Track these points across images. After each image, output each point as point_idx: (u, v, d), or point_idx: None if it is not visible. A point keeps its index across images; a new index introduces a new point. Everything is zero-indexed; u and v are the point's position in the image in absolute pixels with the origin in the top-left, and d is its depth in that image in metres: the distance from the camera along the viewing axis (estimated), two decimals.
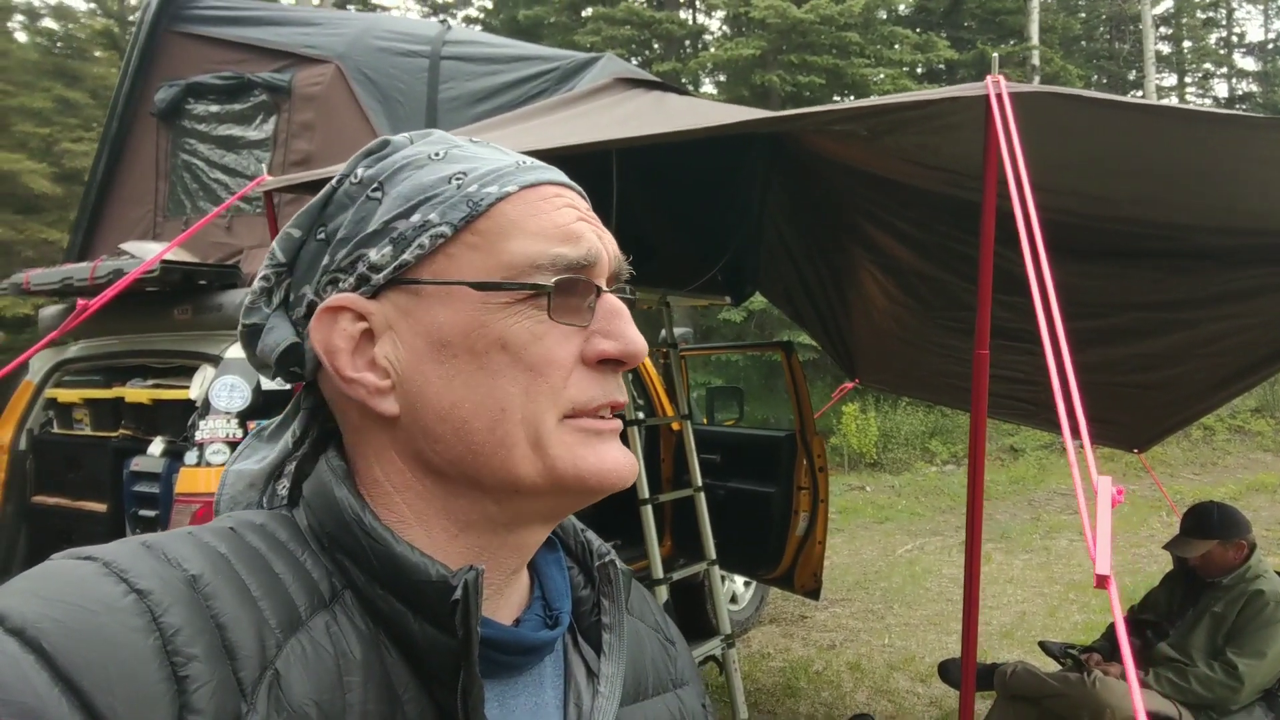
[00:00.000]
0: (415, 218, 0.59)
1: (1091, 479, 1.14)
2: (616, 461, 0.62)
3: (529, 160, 0.65)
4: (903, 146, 2.17)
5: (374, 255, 0.59)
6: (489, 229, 0.59)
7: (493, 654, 0.59)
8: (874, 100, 1.83)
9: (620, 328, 0.61)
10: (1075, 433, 1.24)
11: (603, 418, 0.62)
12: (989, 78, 1.53)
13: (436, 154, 0.62)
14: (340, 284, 0.61)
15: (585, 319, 0.61)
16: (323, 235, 0.62)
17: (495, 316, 0.58)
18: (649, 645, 0.76)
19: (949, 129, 1.84)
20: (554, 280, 0.59)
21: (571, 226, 0.61)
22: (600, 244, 0.63)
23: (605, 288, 0.63)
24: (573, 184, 0.66)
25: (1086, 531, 1.14)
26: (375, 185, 0.61)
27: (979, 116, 1.56)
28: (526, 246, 0.59)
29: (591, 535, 0.73)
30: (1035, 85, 1.68)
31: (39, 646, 0.46)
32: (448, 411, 0.58)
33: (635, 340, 0.61)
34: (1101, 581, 1.13)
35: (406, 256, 0.59)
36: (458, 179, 0.60)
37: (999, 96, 1.49)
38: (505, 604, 0.64)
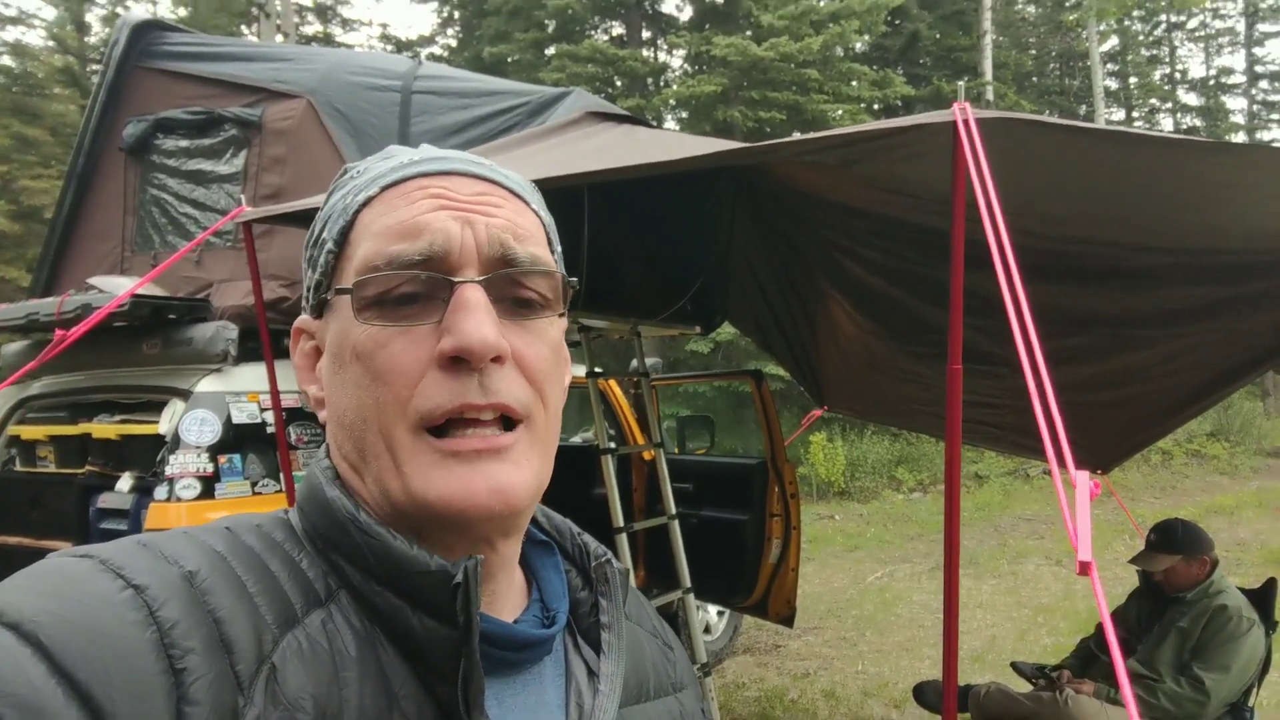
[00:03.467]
0: (320, 237, 0.63)
1: (1070, 474, 1.19)
2: (470, 489, 0.56)
3: (421, 156, 0.63)
4: (870, 174, 2.24)
5: (308, 278, 0.65)
6: (355, 237, 0.61)
7: (491, 650, 0.59)
8: (844, 130, 1.90)
9: (456, 320, 0.56)
10: (1052, 430, 1.29)
11: (471, 433, 0.57)
12: (955, 105, 1.60)
13: (358, 171, 0.65)
14: (306, 307, 0.66)
15: (437, 316, 0.58)
16: (305, 266, 0.67)
17: (351, 326, 0.59)
18: (648, 649, 0.77)
19: (916, 156, 1.91)
20: (354, 282, 0.58)
21: (416, 220, 0.59)
22: (460, 231, 0.59)
23: (460, 279, 0.58)
24: (462, 169, 0.63)
25: (1068, 522, 1.18)
26: (321, 212, 0.66)
27: (946, 143, 1.63)
28: (367, 249, 0.59)
29: (589, 538, 0.73)
30: (1000, 111, 1.75)
31: (36, 640, 0.46)
32: (340, 420, 0.61)
33: (467, 332, 0.56)
34: (1084, 568, 1.17)
35: (318, 275, 0.63)
36: (350, 192, 0.63)
37: (965, 122, 1.56)
38: (501, 606, 0.64)
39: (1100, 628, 3.79)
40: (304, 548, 0.60)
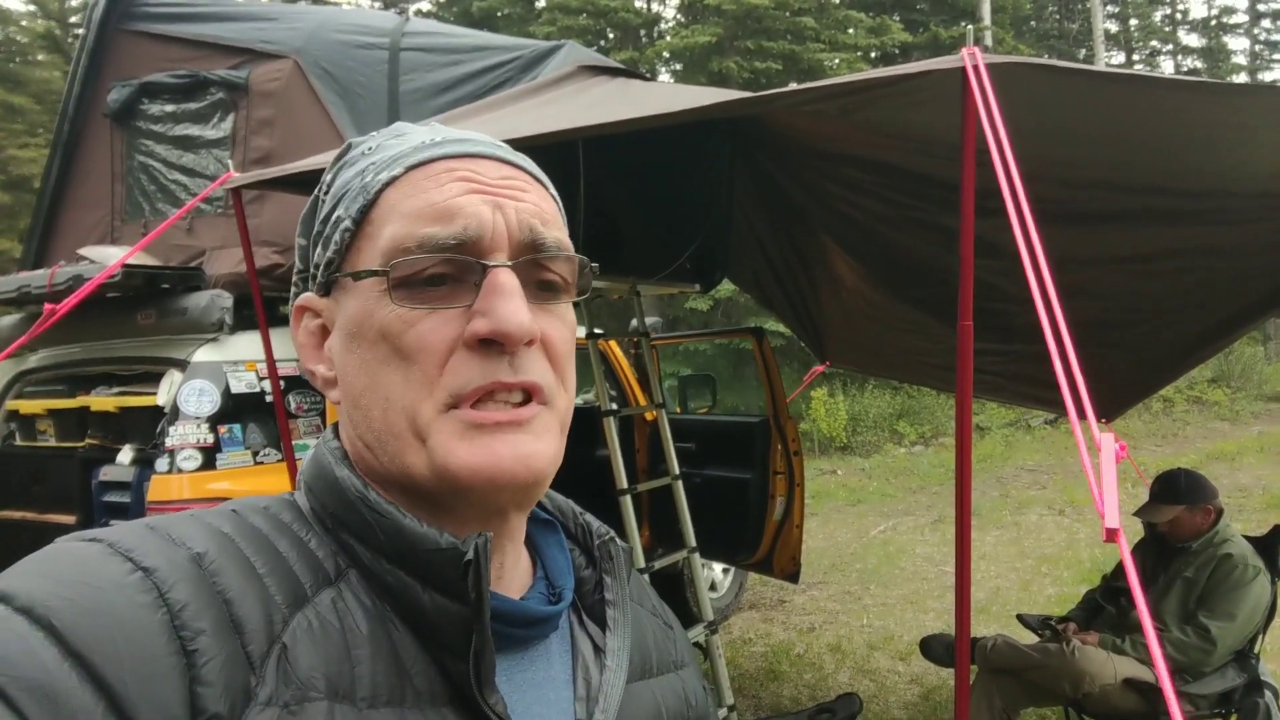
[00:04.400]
0: (334, 215, 0.62)
1: (1094, 437, 1.16)
2: (496, 457, 0.57)
3: (443, 137, 0.63)
4: (873, 121, 2.18)
5: (316, 255, 0.64)
6: (378, 217, 0.60)
7: (499, 627, 0.59)
8: (850, 77, 1.83)
9: (492, 304, 0.57)
10: (1074, 392, 1.25)
11: (496, 407, 0.58)
12: (964, 49, 1.55)
13: (369, 148, 0.65)
14: (308, 284, 0.66)
15: (467, 299, 0.58)
16: (304, 241, 0.67)
17: (376, 305, 0.59)
18: (650, 627, 0.77)
19: (922, 103, 1.85)
20: (391, 264, 0.58)
21: (449, 203, 0.59)
22: (491, 216, 0.59)
23: (492, 263, 0.59)
24: (488, 152, 0.63)
25: (1093, 488, 1.15)
26: (326, 188, 0.65)
27: (954, 89, 1.57)
28: (396, 231, 0.59)
29: (591, 518, 0.74)
30: (1011, 56, 1.70)
31: (48, 623, 0.46)
32: (357, 399, 0.61)
33: (504, 317, 0.57)
34: (1111, 535, 1.15)
35: (330, 254, 0.62)
36: (368, 170, 0.62)
37: (975, 68, 1.50)
38: (509, 583, 0.65)
39: (1104, 579, 3.81)
40: (311, 528, 0.60)
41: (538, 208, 0.62)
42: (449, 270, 0.59)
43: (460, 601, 0.56)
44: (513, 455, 0.58)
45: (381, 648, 0.55)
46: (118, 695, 0.45)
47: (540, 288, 0.62)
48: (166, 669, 0.47)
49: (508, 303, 0.57)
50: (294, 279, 0.69)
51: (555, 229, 0.63)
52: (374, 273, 0.59)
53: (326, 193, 0.65)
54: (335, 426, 0.66)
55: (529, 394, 0.59)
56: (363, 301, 0.59)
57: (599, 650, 0.67)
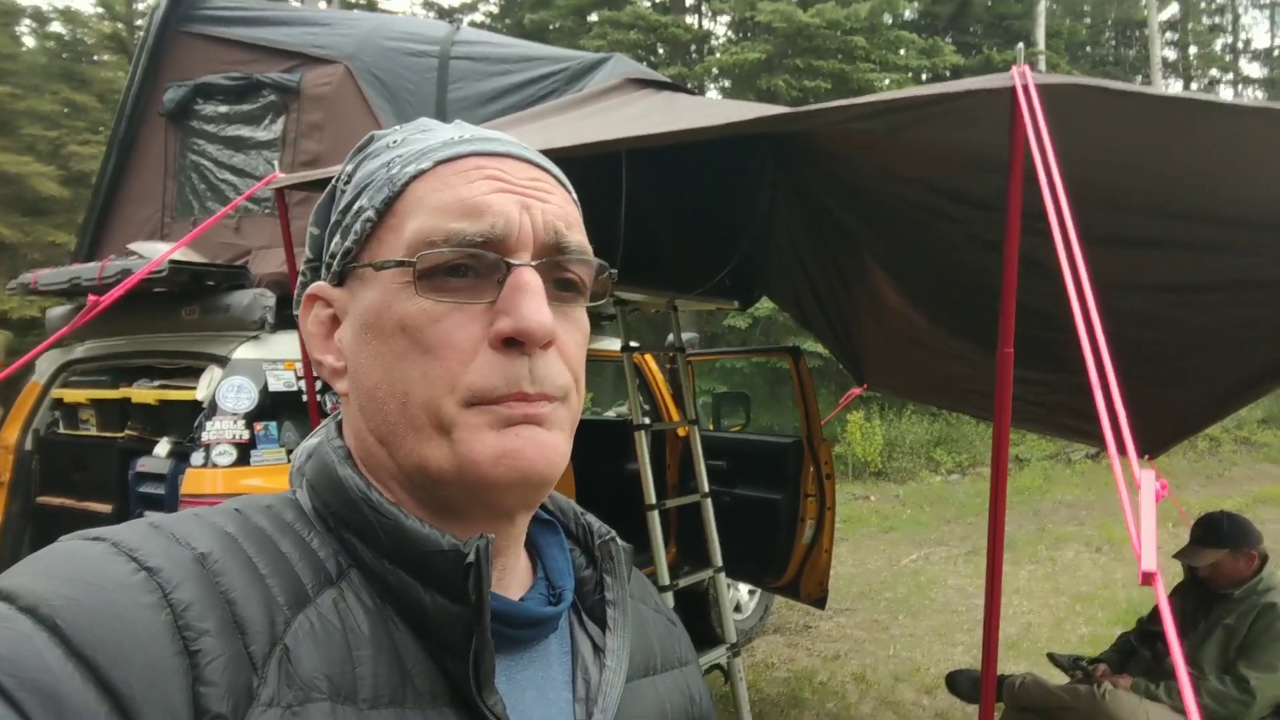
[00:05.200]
0: (356, 205, 0.62)
1: (1134, 474, 1.12)
2: (519, 450, 0.58)
3: (471, 135, 0.64)
4: (922, 141, 2.14)
5: (333, 244, 0.64)
6: (403, 209, 0.60)
7: (499, 627, 0.59)
8: (896, 94, 1.80)
9: (515, 303, 0.57)
10: (1115, 428, 1.21)
11: (517, 404, 0.58)
12: (1015, 68, 1.52)
13: (394, 141, 0.64)
14: (321, 273, 0.66)
15: (490, 296, 0.58)
16: (317, 231, 0.67)
17: (398, 298, 0.59)
18: (654, 624, 0.78)
19: (971, 123, 1.81)
20: (418, 255, 0.58)
21: (478, 200, 0.59)
22: (519, 216, 0.59)
23: (517, 262, 0.59)
24: (515, 152, 0.63)
25: (1130, 527, 1.11)
26: (346, 178, 0.65)
27: (1003, 108, 1.54)
28: (422, 224, 0.59)
29: (592, 518, 0.74)
30: (1061, 76, 1.66)
31: (52, 624, 0.46)
32: (372, 392, 0.60)
33: (527, 315, 0.57)
34: (1147, 579, 1.10)
35: (349, 243, 0.62)
36: (394, 163, 0.62)
37: (1025, 87, 1.47)
38: (509, 584, 0.65)
39: (1140, 623, 3.70)
40: (313, 527, 0.60)
41: (562, 210, 0.63)
42: (472, 266, 0.59)
43: (461, 603, 0.56)
44: (535, 450, 0.58)
45: (383, 648, 0.56)
46: (122, 696, 0.45)
47: (559, 287, 0.62)
48: (170, 669, 0.47)
49: (531, 301, 0.57)
50: (303, 269, 0.68)
51: (577, 232, 0.63)
52: (400, 263, 0.58)
53: (347, 183, 0.65)
54: (339, 424, 0.66)
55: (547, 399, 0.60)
56: (382, 292, 0.59)
57: (598, 650, 0.67)
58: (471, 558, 0.56)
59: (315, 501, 0.61)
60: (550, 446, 0.59)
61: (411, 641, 0.57)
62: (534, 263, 0.59)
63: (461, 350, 0.58)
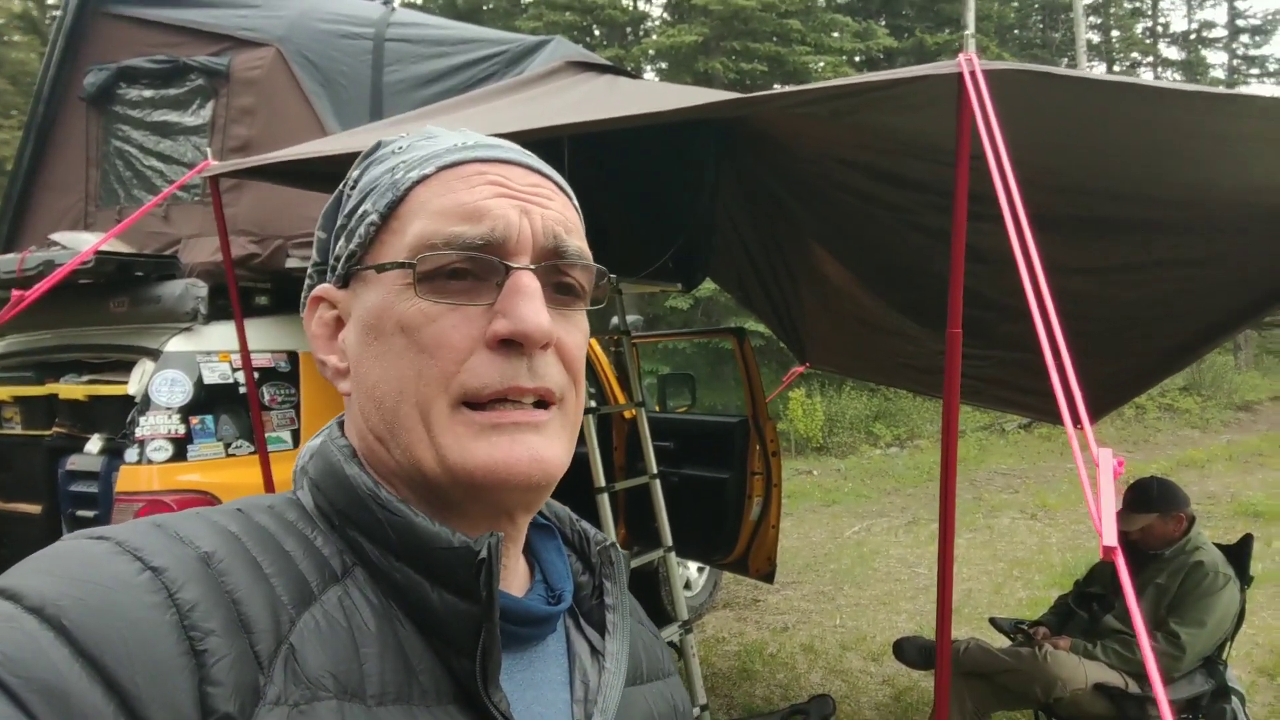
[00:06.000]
0: (361, 209, 0.63)
1: (1092, 451, 1.16)
2: (512, 457, 0.58)
3: (476, 141, 0.65)
4: (861, 125, 2.17)
5: (338, 247, 0.65)
6: (406, 213, 0.62)
7: (503, 624, 0.60)
8: (844, 80, 1.83)
9: (513, 305, 0.58)
10: (1072, 408, 1.25)
11: (511, 407, 0.59)
12: (961, 55, 1.55)
13: (399, 147, 0.66)
14: (326, 276, 0.67)
15: (489, 298, 0.59)
16: (324, 234, 0.68)
17: (398, 299, 0.60)
18: (640, 636, 0.78)
19: (915, 108, 1.85)
20: (419, 258, 0.59)
21: (478, 204, 0.60)
22: (518, 220, 0.60)
23: (515, 265, 0.60)
24: (517, 159, 0.65)
25: (1090, 504, 1.15)
26: (353, 183, 0.66)
27: (950, 94, 1.57)
28: (424, 227, 0.60)
29: (587, 525, 0.75)
30: (1008, 63, 1.70)
31: (58, 623, 0.46)
32: (372, 391, 0.61)
33: (525, 317, 0.58)
34: (1108, 553, 1.14)
35: (353, 246, 0.63)
36: (398, 168, 0.63)
37: (972, 74, 1.50)
38: (511, 583, 0.66)
39: (1076, 585, 3.84)
40: (317, 526, 0.60)
41: (562, 215, 0.64)
42: (471, 268, 0.59)
43: (470, 600, 0.57)
44: (527, 455, 0.59)
45: (389, 645, 0.56)
46: (129, 696, 0.45)
47: (558, 290, 0.63)
48: (177, 669, 0.47)
49: (529, 304, 0.58)
50: (310, 271, 0.70)
51: (577, 238, 0.64)
52: (400, 265, 0.59)
53: (352, 188, 0.66)
54: (341, 423, 0.67)
55: (544, 399, 0.61)
56: (383, 294, 0.61)
57: (596, 653, 0.68)
58: (484, 554, 0.56)
59: (319, 500, 0.62)
60: (546, 454, 0.60)
61: (417, 639, 0.58)
62: (533, 266, 0.60)
63: (457, 349, 0.58)
